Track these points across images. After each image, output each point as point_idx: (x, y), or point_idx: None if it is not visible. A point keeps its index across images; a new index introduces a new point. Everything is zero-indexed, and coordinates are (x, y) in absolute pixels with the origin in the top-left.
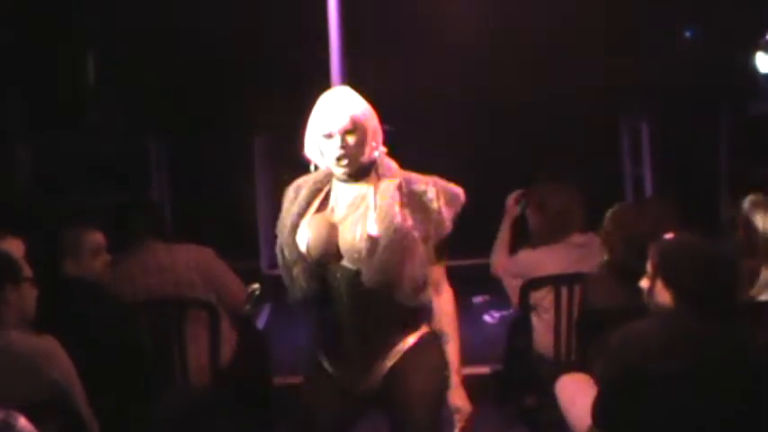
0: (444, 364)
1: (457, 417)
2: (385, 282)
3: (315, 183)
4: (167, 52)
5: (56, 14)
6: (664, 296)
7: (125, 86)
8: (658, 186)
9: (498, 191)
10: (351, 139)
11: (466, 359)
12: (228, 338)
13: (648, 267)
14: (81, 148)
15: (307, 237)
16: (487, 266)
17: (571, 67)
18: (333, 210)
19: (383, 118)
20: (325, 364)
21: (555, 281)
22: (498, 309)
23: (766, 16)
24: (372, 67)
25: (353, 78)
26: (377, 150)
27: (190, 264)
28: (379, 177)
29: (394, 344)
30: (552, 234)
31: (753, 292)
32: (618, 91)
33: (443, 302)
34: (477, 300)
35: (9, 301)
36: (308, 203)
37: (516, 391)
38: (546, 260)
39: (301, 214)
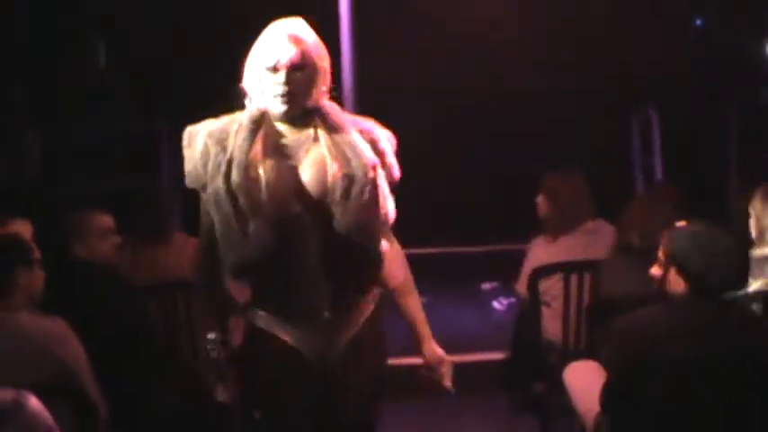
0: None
1: (442, 369)
2: (360, 225)
3: (251, 122)
4: (178, 37)
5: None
6: (677, 284)
7: (136, 71)
8: (669, 175)
9: (507, 179)
10: (298, 76)
11: (475, 346)
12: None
13: (660, 255)
14: (91, 132)
15: (266, 181)
16: (496, 253)
17: (582, 57)
18: (276, 151)
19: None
20: (282, 335)
21: (565, 268)
22: (507, 296)
23: None
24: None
25: (364, 69)
26: (325, 95)
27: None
28: (324, 120)
29: (358, 305)
30: (565, 222)
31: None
32: (628, 80)
33: (396, 253)
34: (486, 286)
35: (20, 283)
36: (250, 144)
37: (525, 379)
38: (559, 251)
39: (246, 155)
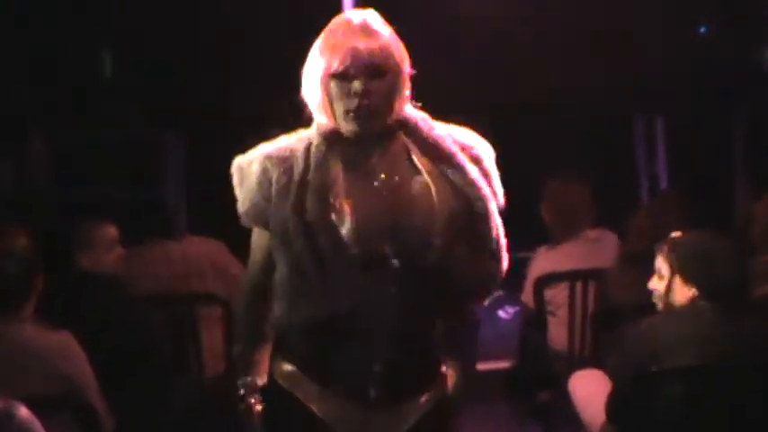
0: None
1: None
2: (470, 279)
3: (324, 139)
4: (184, 46)
5: (73, 6)
6: (683, 294)
7: (142, 80)
8: (674, 182)
9: (517, 186)
10: (377, 85)
11: (480, 354)
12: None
13: (660, 267)
14: (96, 141)
15: (354, 213)
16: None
17: (585, 63)
18: (361, 177)
19: None
20: (309, 402)
21: (570, 277)
22: (513, 304)
23: None
24: None
25: None
26: (408, 102)
27: (201, 255)
28: (414, 135)
29: (420, 390)
30: (566, 229)
31: (766, 289)
32: (632, 86)
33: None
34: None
35: (33, 294)
36: (328, 166)
37: (530, 387)
38: (560, 258)
39: (325, 179)
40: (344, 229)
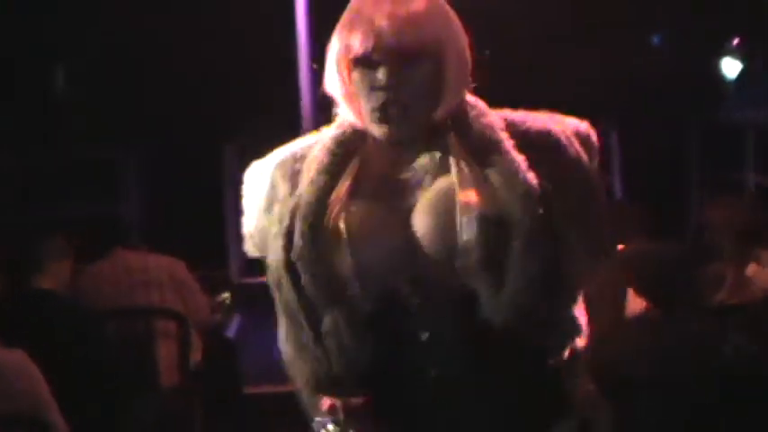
0: None
1: None
2: (526, 310)
3: (337, 145)
4: (136, 60)
5: (24, 26)
6: (637, 305)
7: (95, 96)
8: (628, 193)
9: None
10: (410, 74)
11: None
12: (196, 346)
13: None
14: (50, 158)
15: (353, 243)
16: None
17: (538, 74)
18: (377, 193)
19: None
20: None
21: None
22: None
23: (733, 21)
24: None
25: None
26: (467, 89)
27: (161, 266)
28: (464, 131)
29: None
30: None
31: (721, 295)
32: (586, 98)
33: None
34: None
35: None
36: (330, 182)
37: None
38: None
39: (320, 200)
40: (340, 266)
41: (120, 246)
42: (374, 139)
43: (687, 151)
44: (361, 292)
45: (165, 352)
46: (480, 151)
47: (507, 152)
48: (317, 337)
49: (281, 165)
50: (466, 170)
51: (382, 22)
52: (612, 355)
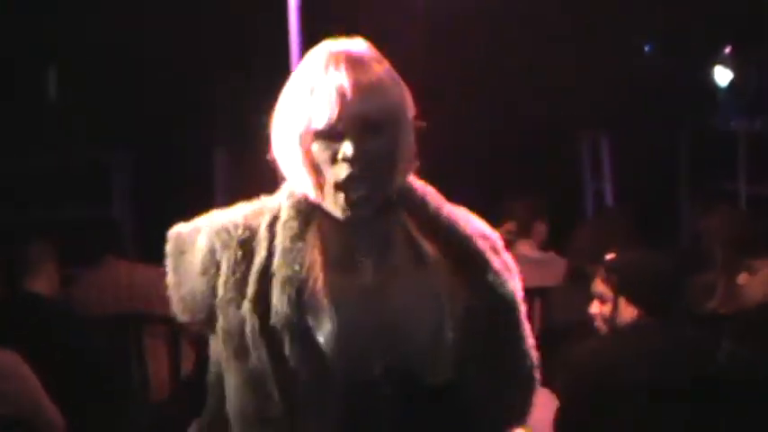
0: None
1: None
2: (502, 399)
3: (297, 213)
4: (130, 63)
5: (17, 26)
6: (629, 313)
7: (86, 100)
8: (619, 200)
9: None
10: (373, 145)
11: None
12: (188, 356)
13: (600, 290)
14: (40, 161)
15: (339, 317)
16: None
17: (529, 81)
18: (344, 267)
19: None
20: None
21: None
22: None
23: (725, 30)
24: None
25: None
26: (411, 167)
27: (148, 282)
28: (415, 212)
29: None
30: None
31: (712, 304)
32: (577, 106)
33: None
34: None
35: None
36: (305, 250)
37: None
38: None
39: (302, 267)
40: (323, 337)
41: (110, 254)
42: (326, 213)
43: (678, 159)
44: (341, 366)
45: (156, 360)
46: (453, 243)
47: (480, 249)
48: (290, 409)
49: (221, 232)
50: (444, 263)
51: (346, 89)
52: (606, 363)
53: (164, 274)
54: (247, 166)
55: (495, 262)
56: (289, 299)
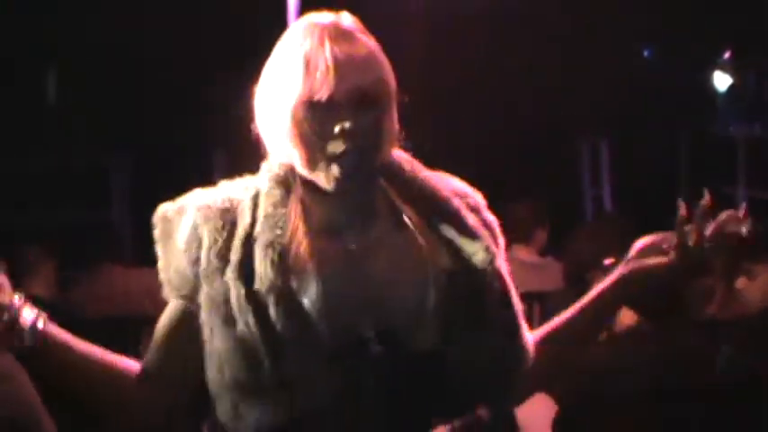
0: None
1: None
2: (489, 359)
3: (278, 185)
4: (127, 66)
5: (17, 29)
6: (628, 318)
7: (86, 101)
8: (618, 205)
9: None
10: (368, 119)
11: None
12: None
13: None
14: (39, 164)
15: (323, 282)
16: None
17: (529, 86)
18: (327, 235)
19: None
20: None
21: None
22: None
23: (724, 35)
24: None
25: None
26: (396, 141)
27: (142, 290)
28: (396, 182)
29: None
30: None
31: (711, 309)
32: (576, 110)
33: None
34: None
35: None
36: (285, 219)
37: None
38: None
39: (284, 235)
40: (308, 300)
41: (107, 260)
42: (307, 184)
43: (677, 164)
44: (328, 329)
45: None
46: (431, 206)
47: (458, 209)
48: (281, 376)
49: (202, 207)
50: (421, 225)
51: (343, 62)
52: (605, 368)
53: (156, 279)
54: (247, 167)
55: (470, 220)
56: (272, 263)
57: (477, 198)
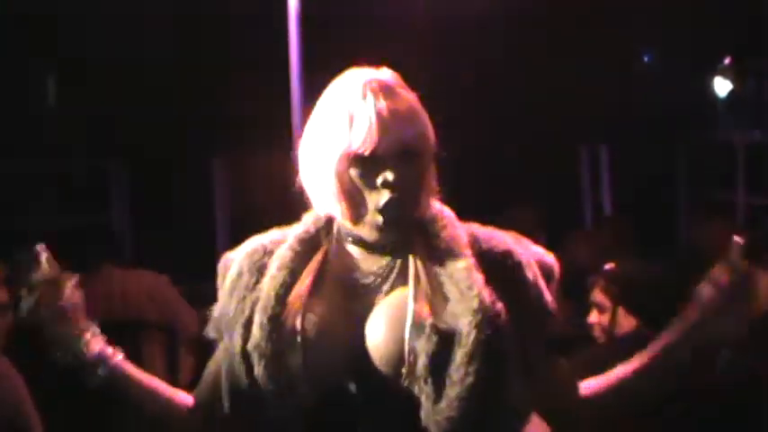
0: None
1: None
2: (468, 416)
3: (299, 243)
4: (127, 71)
5: (17, 33)
6: (628, 323)
7: (85, 107)
8: (618, 210)
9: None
10: (410, 171)
11: None
12: (185, 363)
13: (598, 300)
14: (39, 169)
15: (306, 339)
16: None
17: (529, 90)
18: (336, 292)
19: None
20: None
21: None
22: None
23: (725, 40)
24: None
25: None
26: (434, 196)
27: (141, 292)
28: (429, 238)
29: None
30: None
31: None
32: (576, 115)
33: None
34: None
35: None
36: (289, 279)
37: None
38: None
39: (279, 297)
40: (293, 363)
41: (108, 261)
42: (339, 239)
43: (677, 169)
44: (308, 391)
45: (152, 366)
46: (441, 262)
47: (467, 268)
48: (259, 423)
49: (251, 255)
50: (423, 280)
51: (386, 116)
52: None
53: (155, 281)
54: (245, 174)
55: (478, 284)
56: (261, 325)
57: (520, 253)
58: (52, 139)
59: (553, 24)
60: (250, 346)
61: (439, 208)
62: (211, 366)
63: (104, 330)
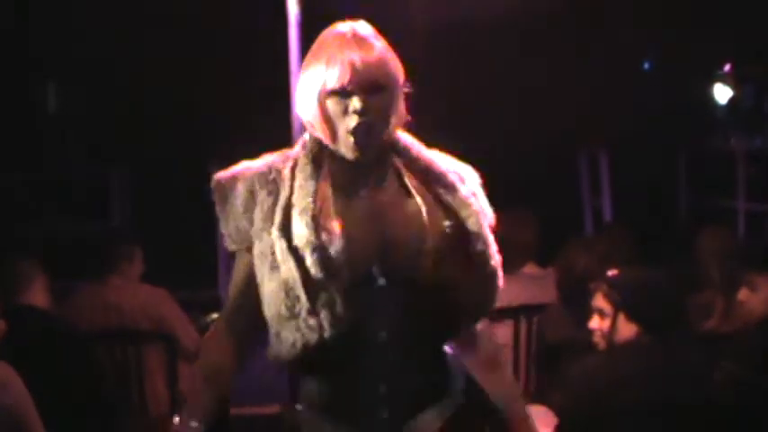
0: None
1: None
2: (473, 300)
3: (311, 158)
4: (126, 78)
5: (16, 42)
6: (628, 330)
7: (86, 115)
8: (618, 217)
9: None
10: (377, 101)
11: None
12: (184, 373)
13: (600, 305)
14: (40, 175)
15: (346, 236)
16: None
17: (529, 97)
18: (350, 198)
19: None
20: None
21: (513, 313)
22: None
23: (724, 48)
24: None
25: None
26: (402, 123)
27: (136, 307)
28: (404, 157)
29: (428, 407)
30: (505, 264)
31: (710, 323)
32: (576, 121)
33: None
34: None
35: None
36: (316, 187)
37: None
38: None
39: (314, 201)
40: (334, 251)
41: (108, 271)
42: (334, 156)
43: (677, 176)
44: (348, 271)
45: (153, 375)
46: (430, 177)
47: (454, 182)
48: (312, 308)
49: (260, 176)
50: (424, 192)
51: (356, 59)
52: (604, 381)
53: (151, 295)
54: None
55: (464, 190)
56: (306, 224)
57: (465, 172)
58: (53, 147)
59: (553, 30)
60: (299, 242)
61: (407, 136)
62: (238, 274)
63: (103, 340)
